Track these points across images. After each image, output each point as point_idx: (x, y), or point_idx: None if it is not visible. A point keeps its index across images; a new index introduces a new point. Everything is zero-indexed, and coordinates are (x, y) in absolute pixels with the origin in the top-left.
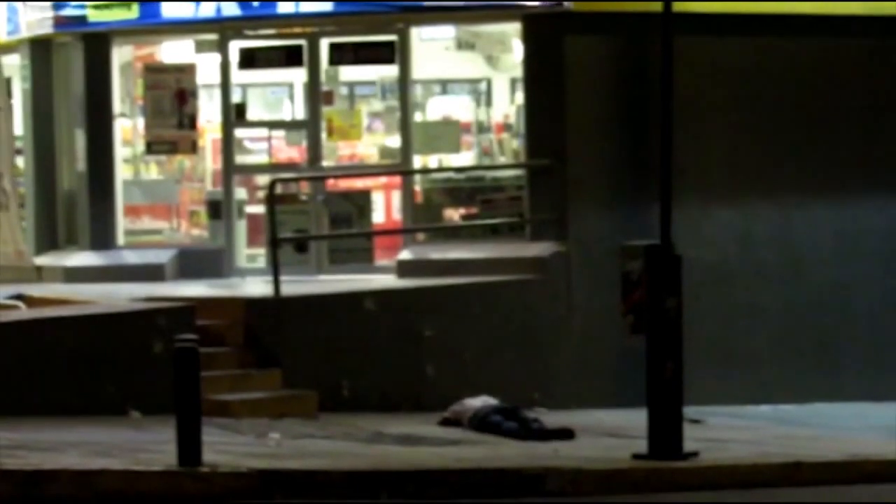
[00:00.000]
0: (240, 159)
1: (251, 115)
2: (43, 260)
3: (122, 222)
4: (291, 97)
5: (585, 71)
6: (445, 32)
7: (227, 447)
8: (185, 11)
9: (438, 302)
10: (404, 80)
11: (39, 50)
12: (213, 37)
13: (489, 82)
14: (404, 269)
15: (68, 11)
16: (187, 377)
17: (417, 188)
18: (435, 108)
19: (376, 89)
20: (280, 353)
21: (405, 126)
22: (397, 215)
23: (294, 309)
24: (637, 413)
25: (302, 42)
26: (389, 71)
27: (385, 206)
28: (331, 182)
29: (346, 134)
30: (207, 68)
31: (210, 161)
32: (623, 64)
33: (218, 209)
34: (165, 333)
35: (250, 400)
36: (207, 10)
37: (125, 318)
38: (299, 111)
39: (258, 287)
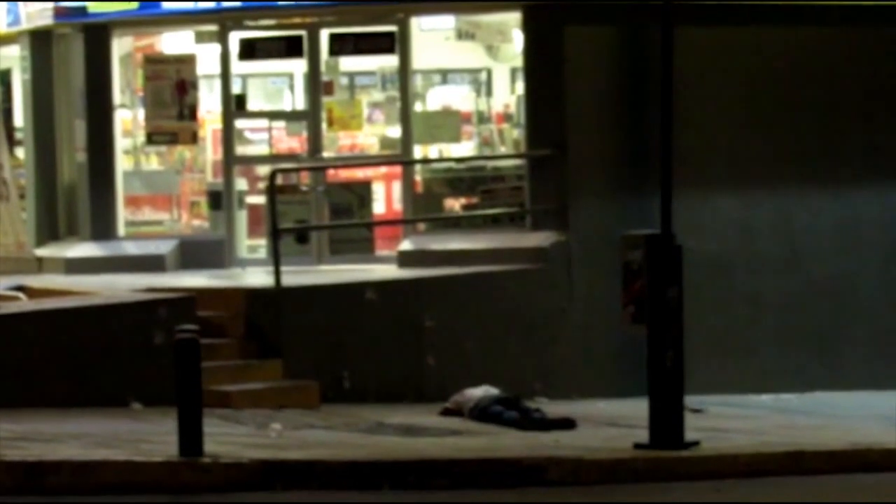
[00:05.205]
0: (240, 150)
1: (251, 105)
2: (43, 251)
3: (122, 213)
4: (292, 88)
5: (586, 61)
6: (445, 22)
7: (229, 438)
8: (185, 2)
9: (439, 292)
10: (404, 71)
11: (40, 41)
12: (213, 27)
13: (489, 72)
14: (405, 259)
15: (68, 2)
16: (188, 368)
17: (418, 178)
18: (435, 98)
19: (376, 79)
20: (281, 343)
21: (405, 116)
22: (398, 205)
23: (295, 299)
24: (638, 403)
25: (302, 32)
26: (390, 61)
27: (385, 197)
28: (331, 172)
29: (346, 124)
30: (207, 59)
31: (210, 152)
32: (623, 54)
33: (218, 200)
34: (166, 324)
35: (251, 391)
36: (207, 1)
37: (126, 309)
38: (299, 102)
39: (259, 278)
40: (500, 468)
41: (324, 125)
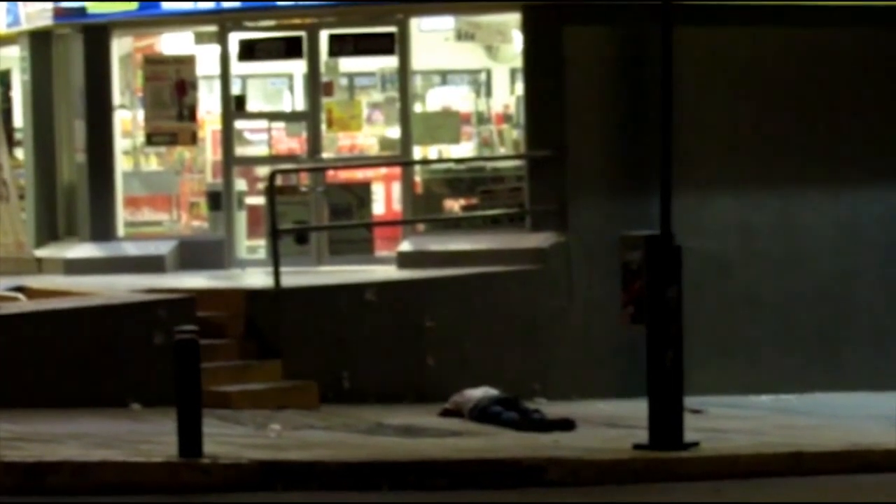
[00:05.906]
0: (240, 151)
1: (251, 106)
2: (43, 251)
3: (122, 214)
4: (291, 88)
5: (585, 61)
6: (445, 23)
7: (228, 438)
8: (185, 3)
9: (439, 293)
10: (404, 71)
11: (39, 42)
12: (212, 28)
13: (489, 73)
14: (404, 260)
15: (68, 3)
16: (188, 369)
17: (417, 179)
18: (435, 99)
19: (376, 80)
20: (280, 344)
21: (405, 117)
22: (397, 206)
23: (294, 300)
24: (638, 403)
25: (301, 33)
26: (389, 62)
27: (385, 197)
28: (331, 173)
29: (345, 125)
30: (207, 60)
31: (210, 152)
32: (623, 54)
33: (218, 200)
34: (166, 325)
35: (251, 391)
36: (207, 2)
37: (125, 309)
38: (299, 102)
39: (258, 278)
40: (499, 468)
41: (323, 126)
